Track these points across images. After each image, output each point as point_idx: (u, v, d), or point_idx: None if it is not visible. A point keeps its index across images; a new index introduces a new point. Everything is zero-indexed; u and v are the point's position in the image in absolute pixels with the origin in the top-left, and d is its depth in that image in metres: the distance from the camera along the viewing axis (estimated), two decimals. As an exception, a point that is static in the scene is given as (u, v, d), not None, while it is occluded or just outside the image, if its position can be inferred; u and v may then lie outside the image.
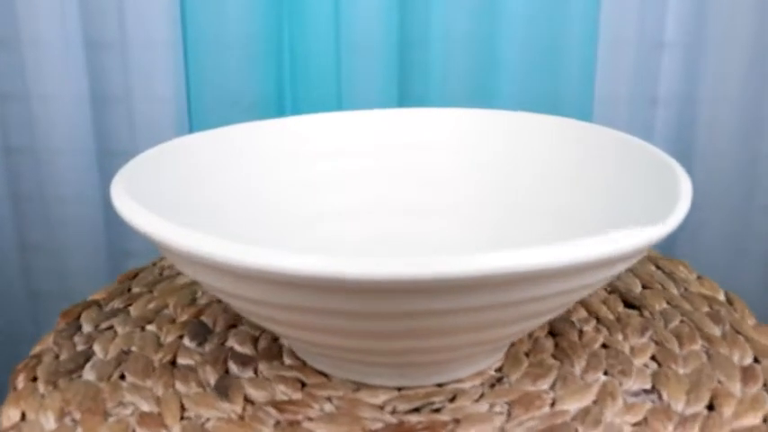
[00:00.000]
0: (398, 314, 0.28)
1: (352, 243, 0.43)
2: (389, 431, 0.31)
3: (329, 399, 0.33)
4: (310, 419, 0.32)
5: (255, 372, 0.35)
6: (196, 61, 0.58)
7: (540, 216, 0.42)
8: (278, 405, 0.33)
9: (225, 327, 0.39)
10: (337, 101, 0.58)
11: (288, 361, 0.36)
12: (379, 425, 0.32)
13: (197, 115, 0.60)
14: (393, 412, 0.33)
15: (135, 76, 0.58)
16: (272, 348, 0.37)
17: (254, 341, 0.37)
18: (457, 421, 0.32)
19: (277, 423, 0.32)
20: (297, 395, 0.33)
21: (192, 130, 0.60)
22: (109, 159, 0.61)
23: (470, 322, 0.29)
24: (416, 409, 0.33)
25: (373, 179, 0.45)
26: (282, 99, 0.60)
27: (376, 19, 0.56)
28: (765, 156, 0.59)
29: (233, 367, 0.35)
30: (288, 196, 0.43)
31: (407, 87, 0.59)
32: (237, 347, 0.37)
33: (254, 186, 0.42)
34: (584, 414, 0.32)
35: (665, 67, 0.59)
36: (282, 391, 0.34)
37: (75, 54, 0.58)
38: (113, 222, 0.63)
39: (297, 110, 0.59)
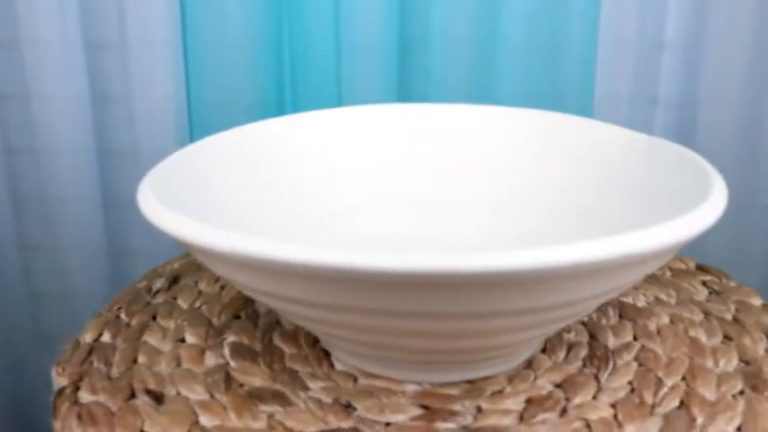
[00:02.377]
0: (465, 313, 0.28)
1: (381, 238, 0.43)
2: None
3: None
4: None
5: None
6: (196, 61, 0.58)
7: (563, 215, 0.42)
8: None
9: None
10: (337, 101, 0.58)
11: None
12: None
13: (197, 115, 0.60)
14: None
15: (135, 76, 0.58)
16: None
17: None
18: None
19: None
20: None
21: (191, 130, 0.60)
22: (109, 159, 0.61)
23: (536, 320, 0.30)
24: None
25: (396, 174, 0.45)
26: (282, 99, 0.60)
27: (376, 19, 0.56)
28: (765, 156, 0.59)
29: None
30: (302, 192, 0.43)
31: (407, 87, 0.59)
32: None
33: (264, 185, 0.42)
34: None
35: (665, 67, 0.59)
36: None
37: (75, 54, 0.58)
38: (113, 222, 0.63)
39: (296, 110, 0.59)
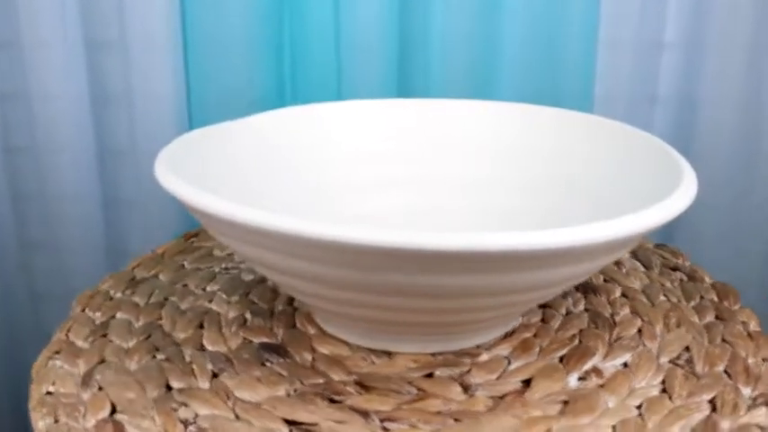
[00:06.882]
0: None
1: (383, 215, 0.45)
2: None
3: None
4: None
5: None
6: (196, 61, 0.58)
7: (549, 193, 0.44)
8: None
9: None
10: (338, 100, 0.58)
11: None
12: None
13: (197, 114, 0.60)
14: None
15: (135, 75, 0.58)
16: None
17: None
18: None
19: None
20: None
21: (191, 129, 0.60)
22: (109, 158, 0.62)
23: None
24: None
25: (420, 163, 0.47)
26: (282, 99, 0.60)
27: (376, 18, 0.56)
28: (765, 155, 0.59)
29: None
30: (316, 174, 0.45)
31: (407, 87, 0.59)
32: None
33: (278, 168, 0.44)
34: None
35: (665, 67, 0.59)
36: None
37: (75, 54, 0.58)
38: (113, 221, 0.63)
39: (297, 109, 0.59)
